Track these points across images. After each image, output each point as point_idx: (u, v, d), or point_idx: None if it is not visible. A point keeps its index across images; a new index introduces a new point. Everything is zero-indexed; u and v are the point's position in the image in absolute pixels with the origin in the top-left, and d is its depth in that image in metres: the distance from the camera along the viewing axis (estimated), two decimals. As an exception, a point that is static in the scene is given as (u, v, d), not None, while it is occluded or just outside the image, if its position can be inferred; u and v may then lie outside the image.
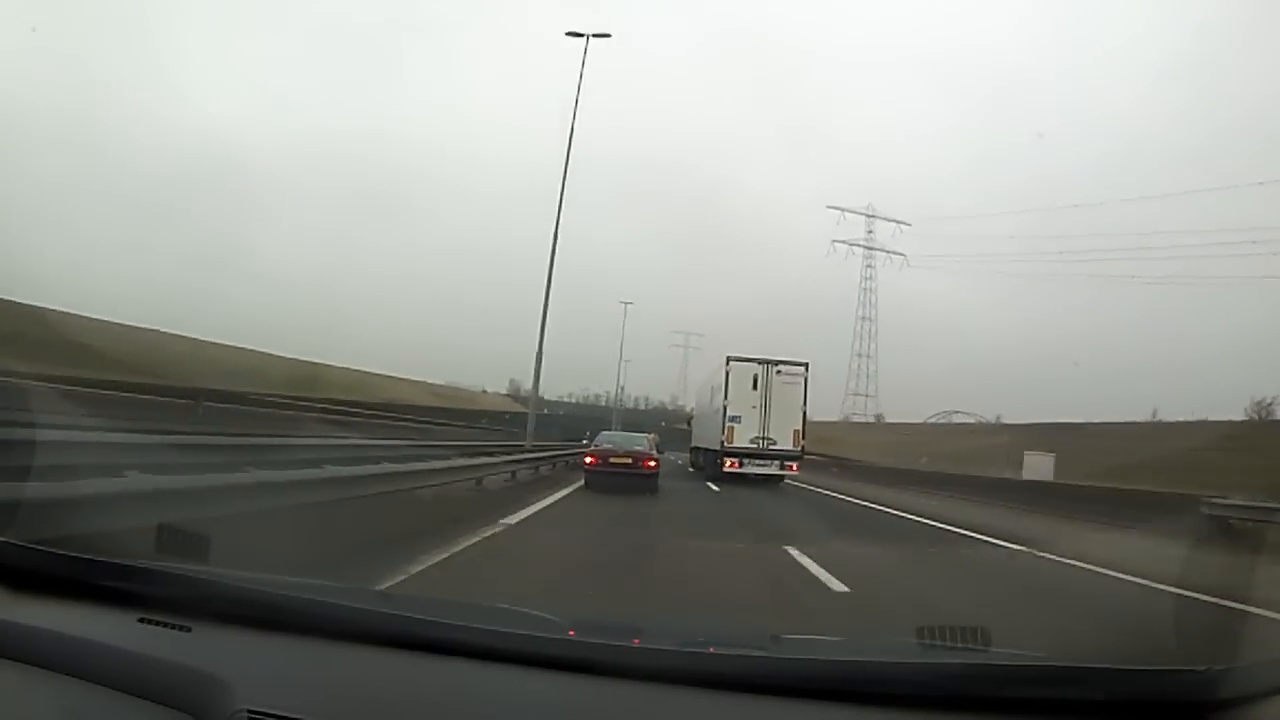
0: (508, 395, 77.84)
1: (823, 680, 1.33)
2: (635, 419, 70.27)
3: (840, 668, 1.44)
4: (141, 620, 1.48)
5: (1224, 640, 2.88)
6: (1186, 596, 5.50)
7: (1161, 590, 5.93)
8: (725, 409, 18.45)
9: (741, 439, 18.35)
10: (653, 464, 12.36)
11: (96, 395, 14.40)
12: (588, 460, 12.62)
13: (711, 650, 1.60)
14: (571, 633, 1.66)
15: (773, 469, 18.72)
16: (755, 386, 18.59)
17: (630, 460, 12.28)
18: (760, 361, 18.92)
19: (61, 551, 1.68)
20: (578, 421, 59.24)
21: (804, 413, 18.98)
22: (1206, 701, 1.19)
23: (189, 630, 1.46)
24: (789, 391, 18.83)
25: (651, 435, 19.36)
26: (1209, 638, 3.22)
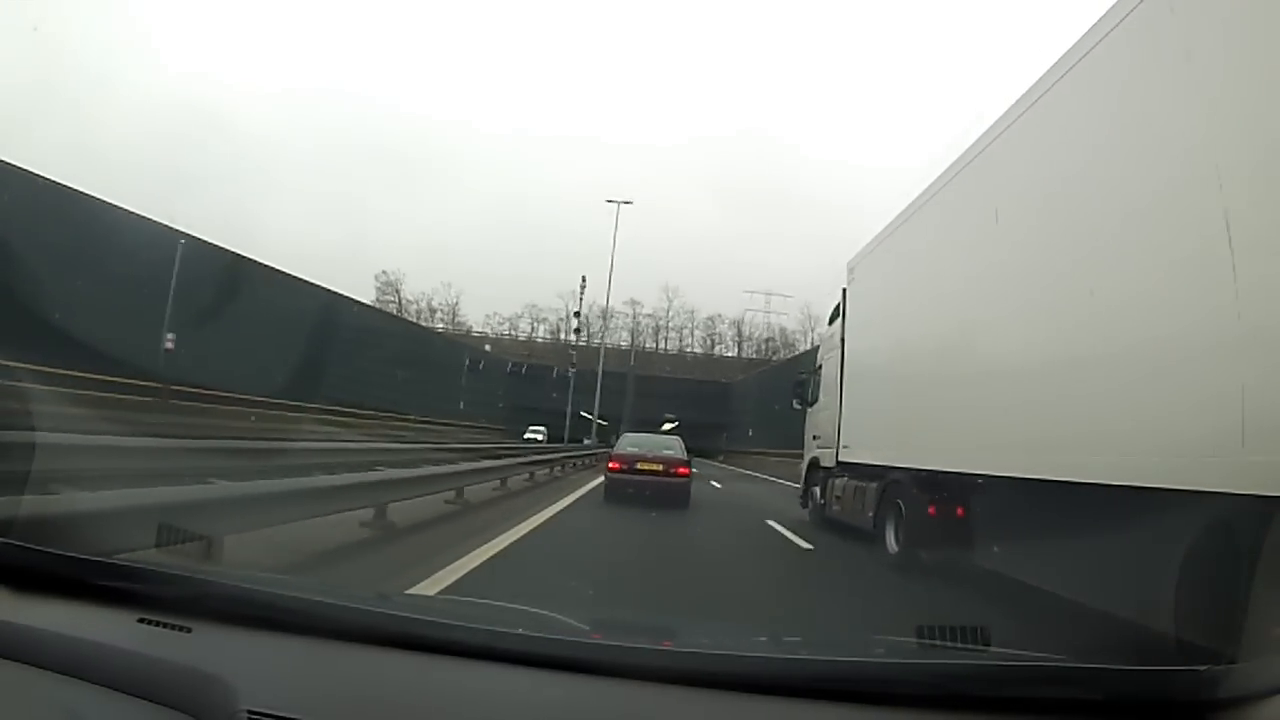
0: (375, 300, 54.18)
1: (823, 680, 1.33)
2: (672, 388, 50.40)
3: (840, 668, 1.44)
4: (141, 620, 1.48)
5: (1224, 640, 2.87)
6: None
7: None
8: None
9: None
10: (685, 471, 12.25)
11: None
12: (610, 465, 12.59)
13: (710, 650, 1.59)
14: (566, 632, 1.67)
15: None
16: None
17: (661, 467, 12.09)
18: None
19: (62, 552, 1.68)
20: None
21: None
22: (1206, 701, 1.19)
23: (189, 631, 1.45)
24: None
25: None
26: (1209, 638, 3.20)
